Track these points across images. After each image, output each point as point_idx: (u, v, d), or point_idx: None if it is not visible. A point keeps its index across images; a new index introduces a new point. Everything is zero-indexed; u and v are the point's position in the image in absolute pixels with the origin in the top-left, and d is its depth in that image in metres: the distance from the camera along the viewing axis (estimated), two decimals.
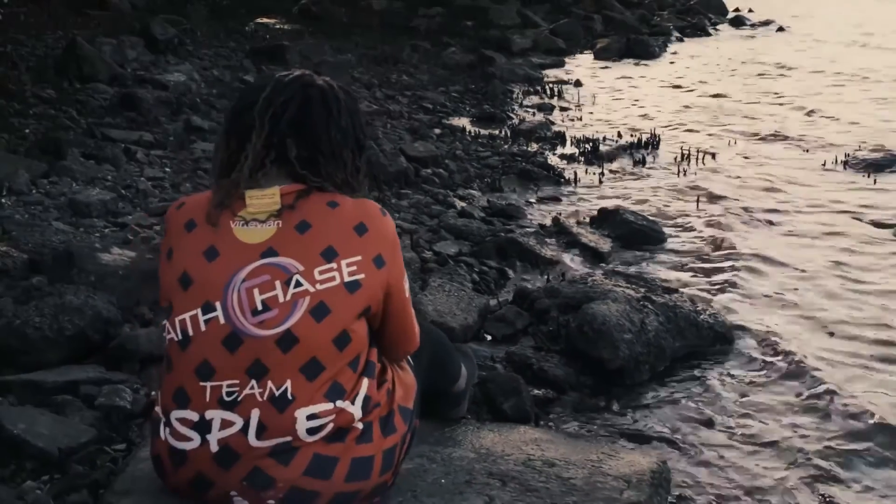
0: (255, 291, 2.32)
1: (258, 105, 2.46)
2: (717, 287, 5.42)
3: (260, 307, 2.31)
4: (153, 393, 3.20)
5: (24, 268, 4.33)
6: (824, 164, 8.52)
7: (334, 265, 2.36)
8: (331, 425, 2.37)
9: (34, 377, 3.36)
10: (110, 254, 4.26)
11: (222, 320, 2.32)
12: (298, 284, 2.32)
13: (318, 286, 2.33)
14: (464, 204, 6.74)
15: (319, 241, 2.37)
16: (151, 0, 15.58)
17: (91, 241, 4.70)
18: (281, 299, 2.31)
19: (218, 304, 2.33)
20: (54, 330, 3.55)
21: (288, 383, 2.31)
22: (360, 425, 2.43)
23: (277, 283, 2.32)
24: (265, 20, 16.64)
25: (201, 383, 2.33)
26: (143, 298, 4.09)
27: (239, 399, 2.31)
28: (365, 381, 2.46)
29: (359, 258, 2.38)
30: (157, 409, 2.50)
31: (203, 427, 2.34)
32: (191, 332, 2.34)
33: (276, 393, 2.30)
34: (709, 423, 3.84)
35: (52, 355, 3.52)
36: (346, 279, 2.35)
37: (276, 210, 2.39)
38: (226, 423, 2.32)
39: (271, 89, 2.49)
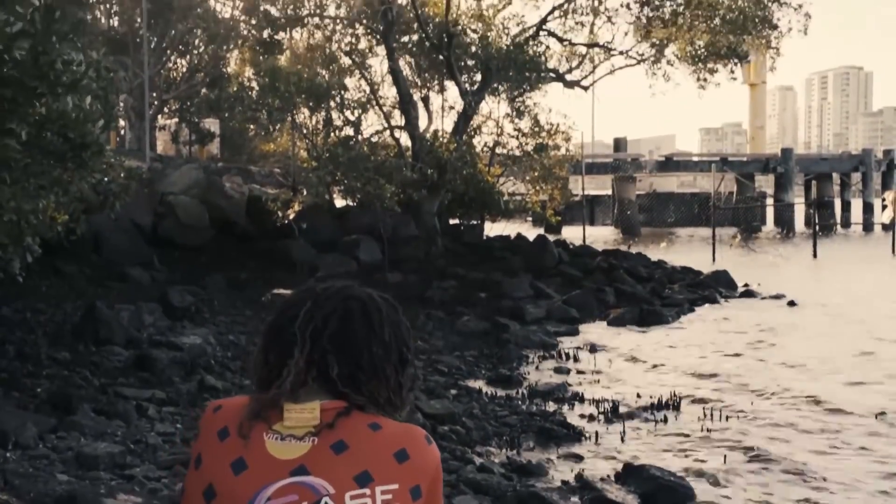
0: None
1: (299, 319, 2.37)
2: None
3: None
4: None
5: None
6: (852, 427, 8.34)
7: (367, 491, 2.17)
8: None
9: None
10: (115, 499, 4.04)
11: None
12: None
13: None
14: (482, 460, 6.52)
15: (355, 463, 2.21)
16: (170, 274, 15.88)
17: (96, 489, 4.49)
18: None
19: None
20: None
21: None
22: None
23: None
24: (282, 291, 16.88)
25: None
26: None
27: None
28: None
29: (395, 486, 2.19)
30: None
31: None
32: None
33: None
34: None
35: None
36: None
37: (314, 426, 2.25)
38: None
39: (312, 303, 2.40)
